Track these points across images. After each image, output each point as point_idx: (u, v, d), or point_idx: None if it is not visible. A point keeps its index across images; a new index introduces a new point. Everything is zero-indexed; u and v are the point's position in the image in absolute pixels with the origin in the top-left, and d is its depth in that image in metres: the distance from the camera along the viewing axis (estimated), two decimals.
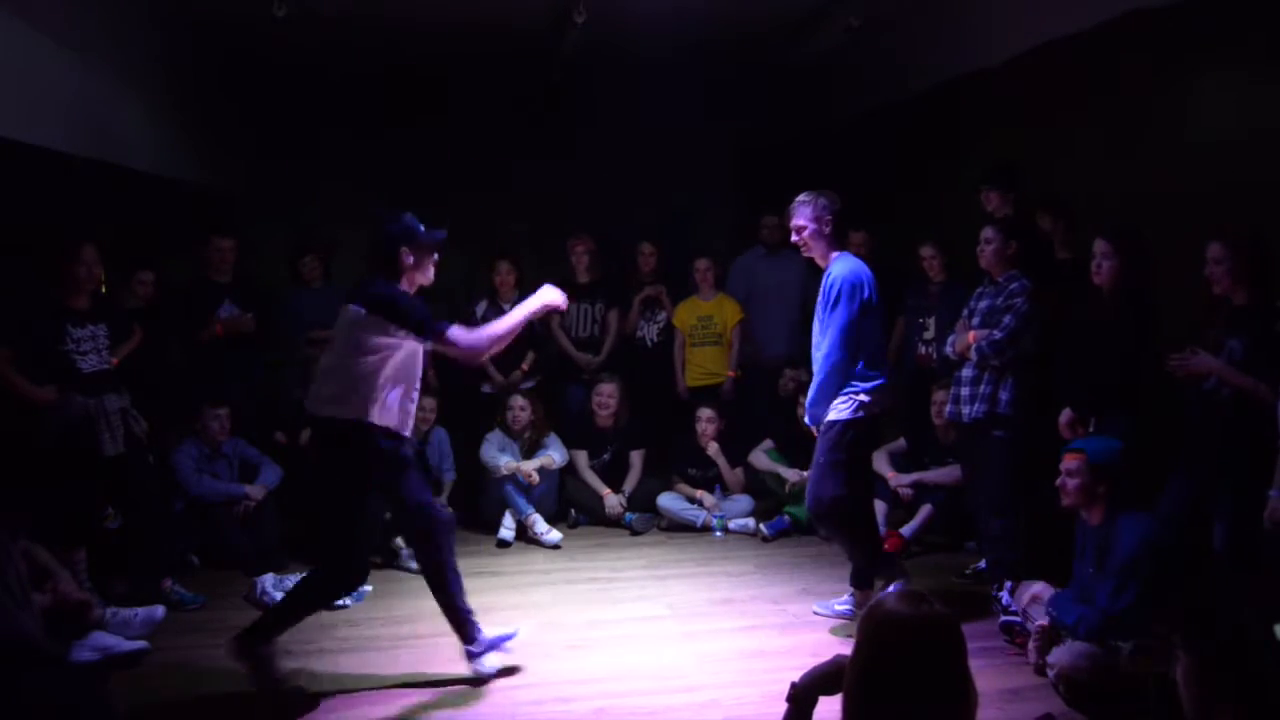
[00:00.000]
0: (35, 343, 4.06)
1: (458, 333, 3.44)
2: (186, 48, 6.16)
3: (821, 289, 3.90)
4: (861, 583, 4.08)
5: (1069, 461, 3.50)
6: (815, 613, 4.18)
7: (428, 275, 3.54)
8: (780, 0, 5.60)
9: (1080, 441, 3.60)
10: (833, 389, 3.85)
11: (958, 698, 1.75)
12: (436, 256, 3.55)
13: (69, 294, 4.17)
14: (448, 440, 5.73)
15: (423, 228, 3.51)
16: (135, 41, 5.47)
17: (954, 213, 5.43)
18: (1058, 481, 3.52)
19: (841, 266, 3.86)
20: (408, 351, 3.44)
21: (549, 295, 3.57)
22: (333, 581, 3.56)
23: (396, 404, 3.43)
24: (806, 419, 4.02)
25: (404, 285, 3.47)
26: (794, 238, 3.97)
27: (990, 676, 3.48)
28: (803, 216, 3.90)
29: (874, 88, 6.66)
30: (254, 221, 6.89)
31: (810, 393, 3.93)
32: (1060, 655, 3.33)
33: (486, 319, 5.99)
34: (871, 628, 1.81)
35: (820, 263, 3.98)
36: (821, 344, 3.88)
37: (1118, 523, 3.38)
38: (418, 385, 3.56)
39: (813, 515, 4.14)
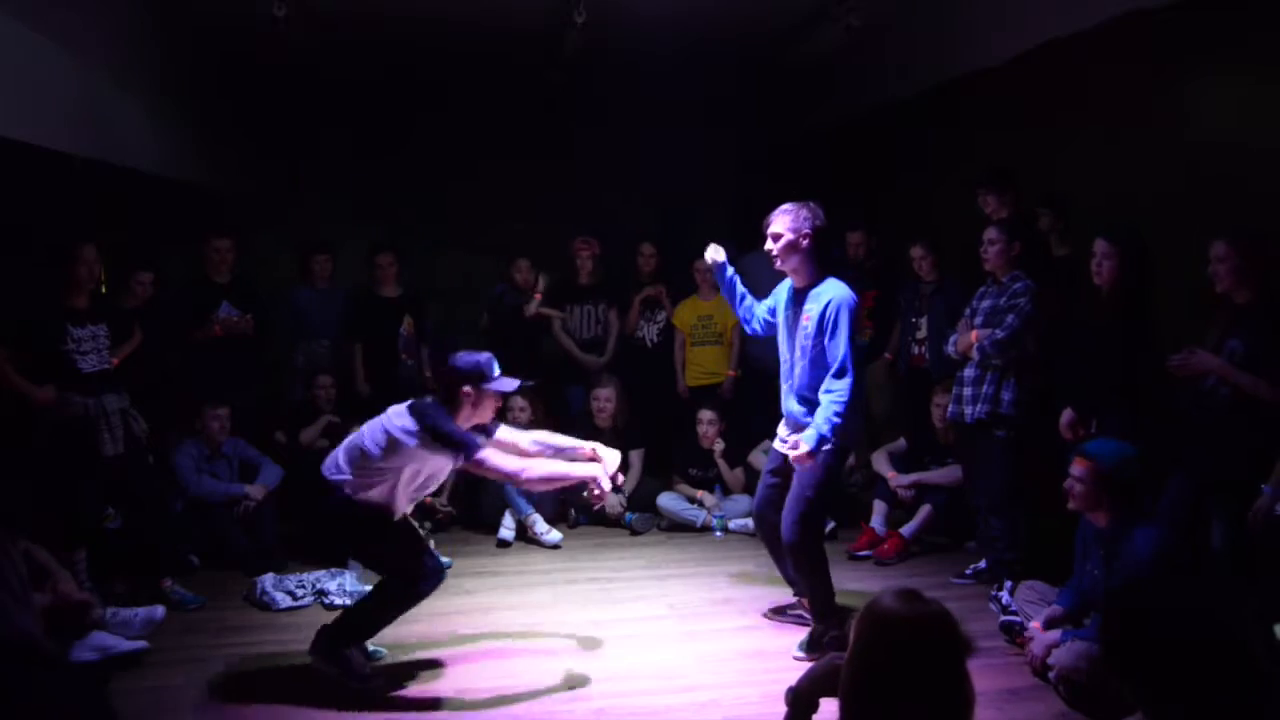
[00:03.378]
0: (35, 342, 4.06)
1: (489, 456, 3.42)
2: (186, 48, 6.16)
3: (814, 313, 3.61)
4: (825, 637, 3.74)
5: (1076, 467, 3.43)
6: (796, 658, 3.76)
7: (485, 415, 3.55)
8: (780, 0, 5.59)
9: (1092, 445, 3.48)
10: (845, 421, 3.55)
11: (956, 696, 1.74)
12: (498, 402, 3.58)
13: (69, 294, 4.17)
14: None
15: (497, 372, 3.51)
16: (135, 42, 5.47)
17: (952, 213, 5.43)
18: (1065, 484, 3.47)
19: (837, 290, 3.61)
20: (433, 466, 3.47)
21: (597, 469, 3.51)
22: (410, 590, 3.54)
23: (398, 498, 3.51)
24: (810, 443, 3.52)
25: (460, 419, 3.46)
26: (768, 244, 3.71)
27: (990, 676, 3.48)
28: (780, 224, 3.67)
29: (874, 88, 6.65)
30: (253, 222, 6.90)
31: (823, 427, 3.51)
32: (1060, 656, 3.32)
33: (504, 301, 6.15)
34: (868, 626, 1.80)
35: (795, 279, 3.74)
36: (835, 370, 3.55)
37: (1131, 534, 3.31)
38: (429, 490, 3.65)
39: (792, 549, 3.73)
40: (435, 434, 3.35)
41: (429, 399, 3.51)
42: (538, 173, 7.61)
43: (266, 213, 7.31)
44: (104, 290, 4.67)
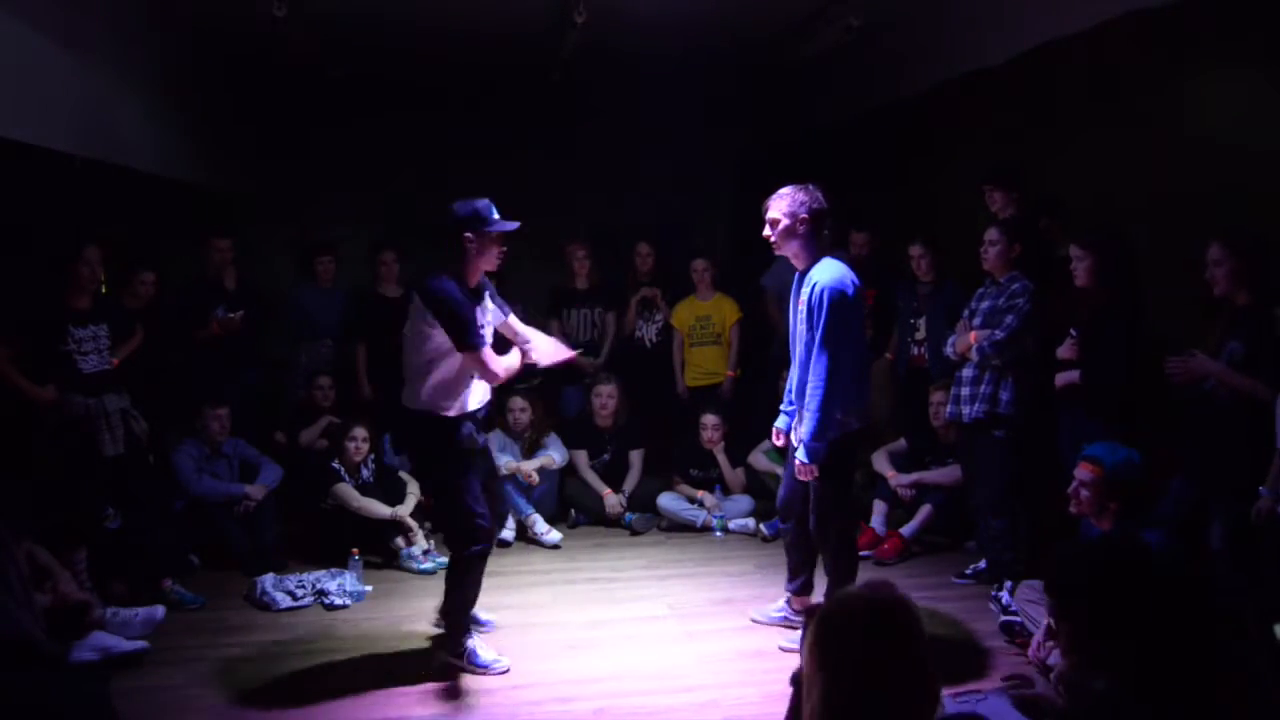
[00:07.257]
0: (37, 342, 4.07)
1: (490, 356, 3.47)
2: (187, 48, 6.17)
3: (804, 297, 3.55)
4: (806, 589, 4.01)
5: (1084, 471, 3.39)
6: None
7: (491, 263, 3.53)
8: (780, 0, 5.60)
9: (1098, 450, 3.43)
10: (831, 416, 3.49)
11: (919, 683, 1.70)
12: (504, 246, 3.54)
13: (71, 294, 4.17)
14: None
15: (496, 215, 3.47)
16: (135, 42, 5.48)
17: (952, 213, 5.43)
18: (1070, 489, 3.44)
19: (824, 273, 3.50)
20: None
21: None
22: (464, 552, 3.58)
23: (455, 385, 3.50)
24: (804, 456, 3.54)
25: (468, 270, 3.48)
26: (765, 230, 3.59)
27: (990, 677, 3.49)
28: (776, 209, 3.55)
29: (874, 88, 6.66)
30: (253, 221, 6.90)
31: (808, 427, 3.50)
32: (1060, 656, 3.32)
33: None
34: (827, 614, 1.76)
35: (796, 264, 3.64)
36: (812, 365, 3.51)
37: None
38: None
39: (820, 545, 3.85)
40: (441, 314, 3.35)
41: (440, 272, 3.44)
42: (537, 172, 7.62)
43: (267, 213, 7.32)
44: (104, 290, 4.67)
